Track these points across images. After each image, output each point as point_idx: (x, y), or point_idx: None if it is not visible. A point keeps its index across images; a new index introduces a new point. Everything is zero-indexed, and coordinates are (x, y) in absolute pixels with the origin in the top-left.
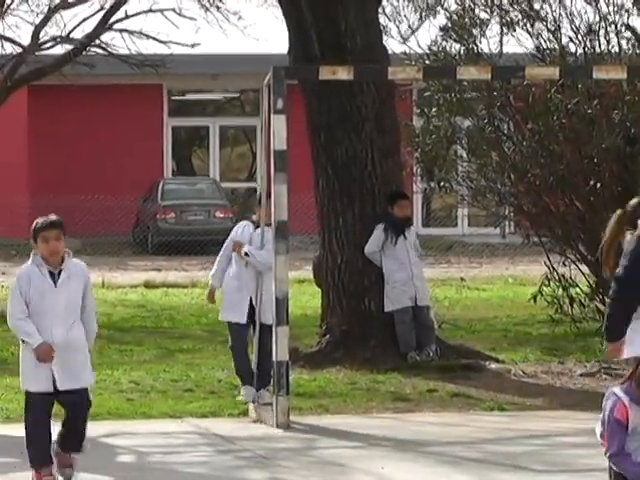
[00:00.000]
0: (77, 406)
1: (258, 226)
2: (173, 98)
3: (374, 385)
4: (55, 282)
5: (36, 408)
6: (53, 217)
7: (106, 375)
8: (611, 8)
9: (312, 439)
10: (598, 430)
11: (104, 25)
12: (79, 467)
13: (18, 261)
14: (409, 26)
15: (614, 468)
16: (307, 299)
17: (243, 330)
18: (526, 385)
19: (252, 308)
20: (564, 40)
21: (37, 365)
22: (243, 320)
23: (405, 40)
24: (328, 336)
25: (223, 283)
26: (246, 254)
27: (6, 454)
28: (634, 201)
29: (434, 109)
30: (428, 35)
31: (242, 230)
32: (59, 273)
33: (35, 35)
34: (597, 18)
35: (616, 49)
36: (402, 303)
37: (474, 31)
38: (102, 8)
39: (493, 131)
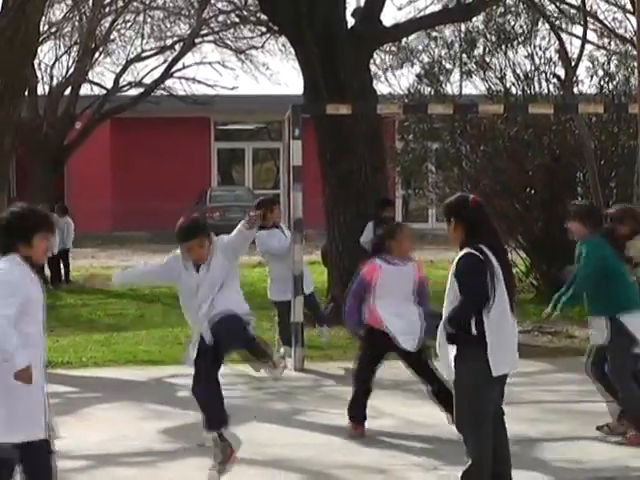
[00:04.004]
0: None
1: (263, 227)
2: (218, 127)
3: None
4: (198, 271)
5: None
6: (191, 223)
7: (168, 332)
8: (542, 60)
9: (320, 379)
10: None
11: (167, 73)
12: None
13: (103, 248)
14: (393, 74)
15: None
16: (317, 276)
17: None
18: None
19: None
20: (508, 84)
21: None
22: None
23: (389, 84)
24: (332, 303)
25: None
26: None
27: (94, 390)
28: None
29: (411, 135)
30: (407, 80)
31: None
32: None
33: (116, 81)
34: (532, 68)
35: (545, 91)
36: None
37: (441, 78)
38: (165, 61)
39: (455, 152)
